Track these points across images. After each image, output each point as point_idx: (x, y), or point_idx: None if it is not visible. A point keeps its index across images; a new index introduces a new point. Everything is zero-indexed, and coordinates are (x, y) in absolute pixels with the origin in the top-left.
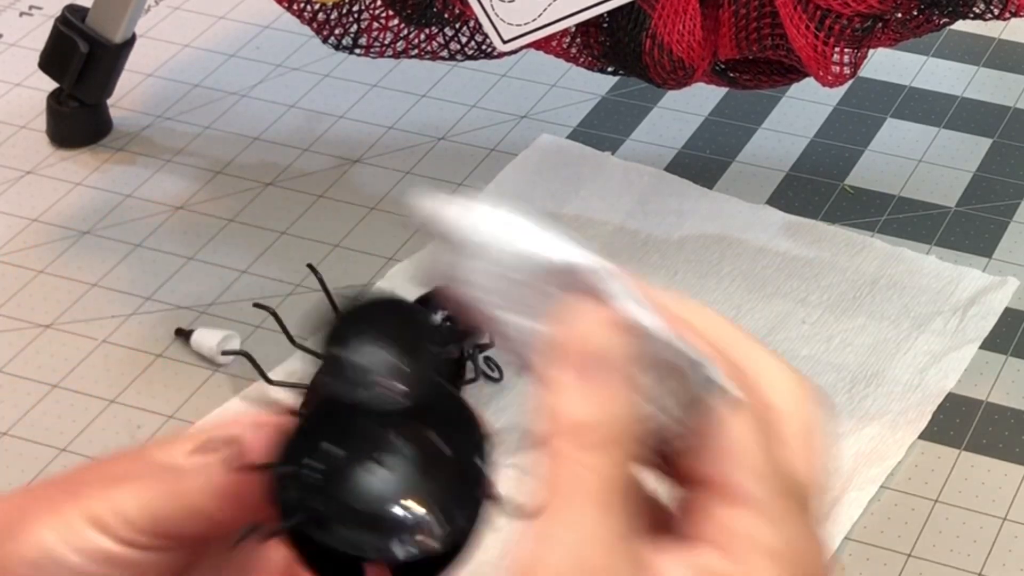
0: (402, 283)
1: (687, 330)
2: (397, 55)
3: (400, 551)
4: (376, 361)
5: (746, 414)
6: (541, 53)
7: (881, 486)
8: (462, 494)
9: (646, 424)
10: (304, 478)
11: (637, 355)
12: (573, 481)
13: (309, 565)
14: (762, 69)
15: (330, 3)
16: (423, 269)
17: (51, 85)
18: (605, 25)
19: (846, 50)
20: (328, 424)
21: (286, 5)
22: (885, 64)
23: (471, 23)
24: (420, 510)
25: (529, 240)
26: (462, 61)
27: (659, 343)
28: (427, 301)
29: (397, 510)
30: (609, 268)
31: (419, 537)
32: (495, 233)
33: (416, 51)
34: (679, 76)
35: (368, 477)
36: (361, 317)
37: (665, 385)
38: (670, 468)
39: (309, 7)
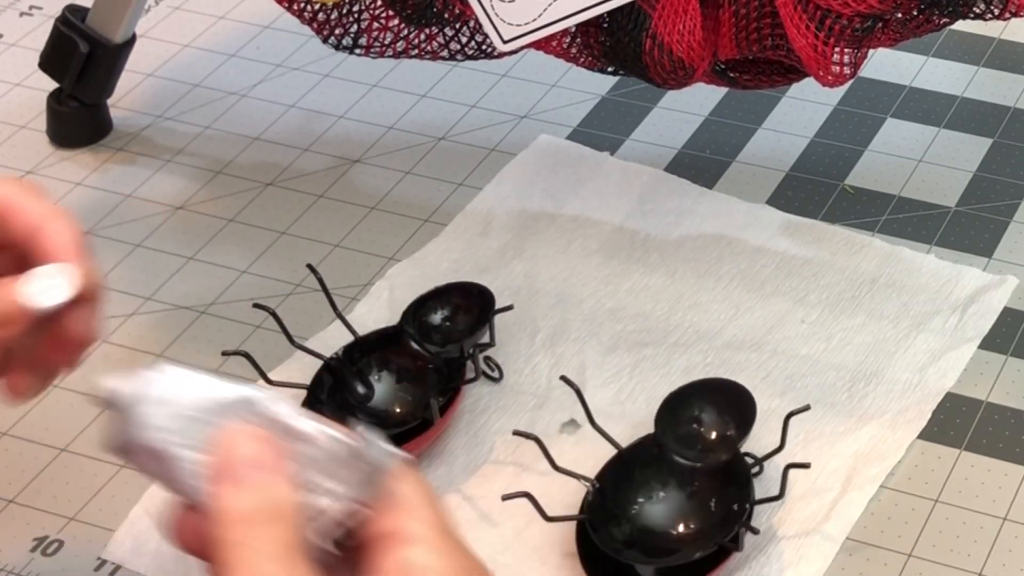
0: (402, 283)
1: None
2: (397, 55)
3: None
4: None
5: (410, 476)
6: (541, 53)
7: (881, 486)
8: (714, 528)
9: (314, 505)
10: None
11: (300, 456)
12: (252, 555)
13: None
14: (762, 69)
15: (330, 3)
16: (108, 434)
17: (51, 85)
18: (605, 25)
19: (846, 50)
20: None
21: (286, 5)
22: (885, 64)
23: (471, 23)
24: (683, 530)
25: (200, 384)
26: (462, 61)
27: (322, 442)
28: (428, 300)
29: (667, 528)
30: (271, 396)
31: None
32: (173, 382)
33: (416, 51)
34: (679, 76)
35: (656, 504)
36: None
37: (337, 474)
38: (355, 540)
39: (309, 7)
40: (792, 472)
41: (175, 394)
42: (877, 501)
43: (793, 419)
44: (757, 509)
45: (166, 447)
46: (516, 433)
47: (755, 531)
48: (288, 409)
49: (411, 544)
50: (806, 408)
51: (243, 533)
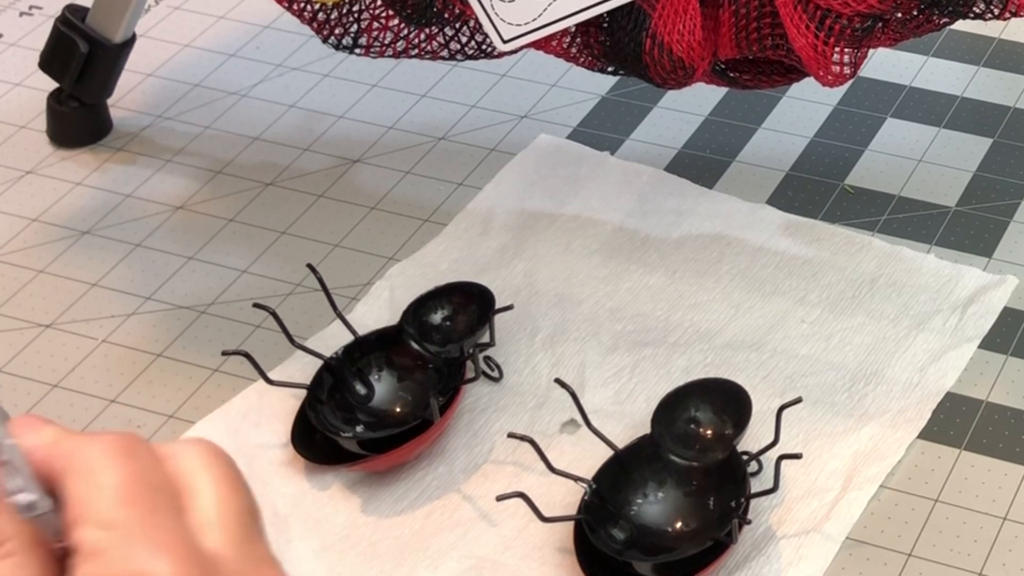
0: (402, 283)
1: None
2: (397, 55)
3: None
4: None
5: (91, 442)
6: (541, 53)
7: (881, 485)
8: (710, 525)
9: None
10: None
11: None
12: None
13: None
14: (762, 69)
15: (330, 3)
16: None
17: (51, 85)
18: (605, 25)
19: (846, 50)
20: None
21: (286, 5)
22: (885, 64)
23: (471, 23)
24: (681, 528)
25: None
26: (462, 61)
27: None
28: (428, 300)
29: (663, 526)
30: None
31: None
32: None
33: (416, 51)
34: (679, 76)
35: (651, 503)
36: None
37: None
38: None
39: (309, 7)
40: (792, 472)
41: None
42: (877, 501)
43: (794, 419)
44: (756, 508)
45: None
46: (511, 435)
47: (747, 521)
48: None
49: (83, 522)
50: (798, 400)
51: None
